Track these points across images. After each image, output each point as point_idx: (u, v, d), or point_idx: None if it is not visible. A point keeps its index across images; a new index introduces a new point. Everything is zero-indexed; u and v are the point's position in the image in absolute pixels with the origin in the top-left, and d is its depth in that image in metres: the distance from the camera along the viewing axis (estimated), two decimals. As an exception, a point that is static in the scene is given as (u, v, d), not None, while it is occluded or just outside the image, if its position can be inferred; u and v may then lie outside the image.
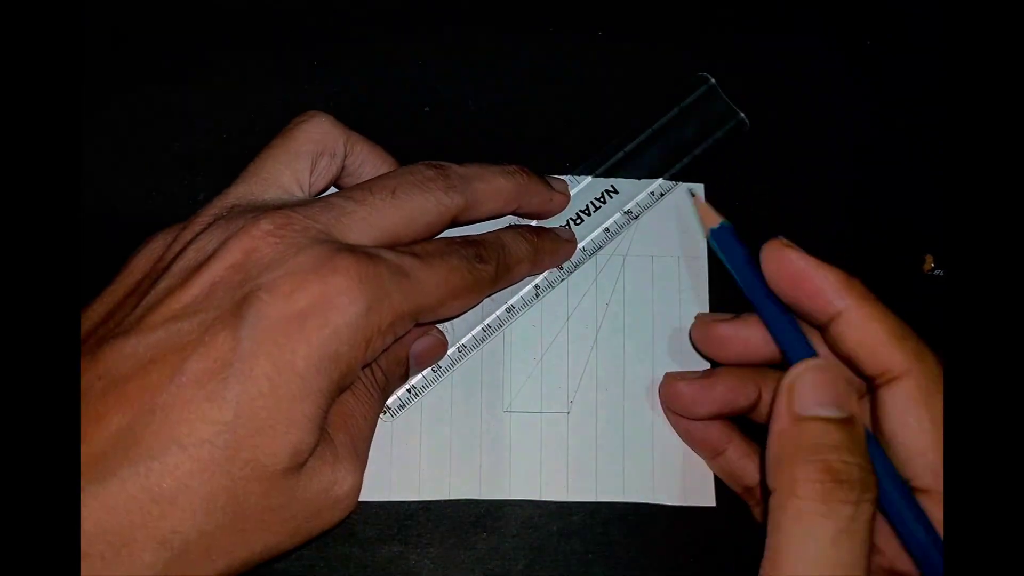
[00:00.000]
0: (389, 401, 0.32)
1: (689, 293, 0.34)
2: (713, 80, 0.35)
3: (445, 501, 0.32)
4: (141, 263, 0.26)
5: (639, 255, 0.34)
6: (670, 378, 0.31)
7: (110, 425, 0.22)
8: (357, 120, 0.34)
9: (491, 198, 0.29)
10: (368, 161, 0.30)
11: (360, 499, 0.31)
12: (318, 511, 0.25)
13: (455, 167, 0.29)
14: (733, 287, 0.34)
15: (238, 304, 0.23)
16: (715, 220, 0.29)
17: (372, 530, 0.31)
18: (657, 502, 0.32)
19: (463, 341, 0.32)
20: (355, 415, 0.26)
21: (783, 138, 0.36)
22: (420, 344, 0.30)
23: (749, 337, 0.29)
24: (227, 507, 0.22)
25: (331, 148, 0.28)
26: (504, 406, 0.32)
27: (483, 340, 0.33)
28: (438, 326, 0.31)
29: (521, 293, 0.33)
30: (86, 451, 0.22)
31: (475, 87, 0.35)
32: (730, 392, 0.30)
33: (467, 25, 0.36)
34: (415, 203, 0.27)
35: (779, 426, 0.24)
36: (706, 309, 0.34)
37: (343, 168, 0.29)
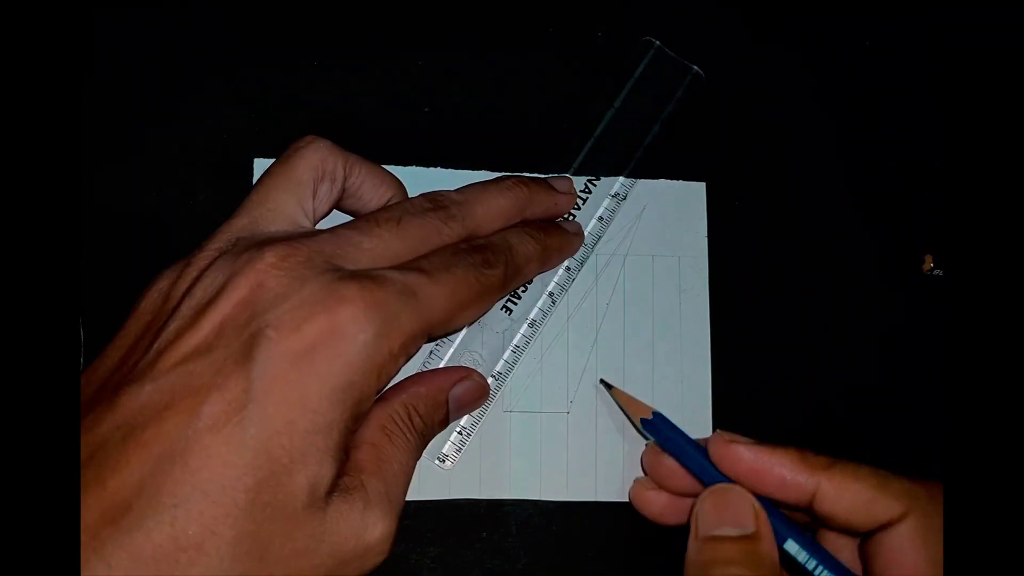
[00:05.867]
0: (444, 448, 0.31)
1: (689, 293, 0.34)
2: (658, 42, 0.35)
3: (445, 501, 0.32)
4: (150, 303, 0.26)
5: (639, 255, 0.34)
6: (640, 487, 0.31)
7: (132, 474, 0.22)
8: (357, 121, 0.34)
9: (492, 220, 0.29)
10: (367, 181, 0.29)
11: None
12: (348, 558, 0.24)
13: (452, 195, 0.29)
14: (733, 287, 0.34)
15: (247, 344, 0.23)
16: (646, 411, 0.30)
17: (372, 530, 0.31)
18: (657, 502, 0.32)
19: (498, 368, 0.32)
20: (391, 461, 0.26)
21: (783, 138, 0.36)
22: (460, 388, 0.29)
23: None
24: (253, 551, 0.22)
25: (331, 173, 0.28)
26: (504, 406, 0.32)
27: (515, 363, 0.32)
28: (479, 371, 0.31)
29: (538, 304, 0.33)
30: (110, 501, 0.22)
31: (475, 87, 0.35)
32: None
33: (467, 25, 0.36)
34: (418, 235, 0.27)
35: (688, 554, 0.26)
36: (706, 309, 0.34)
37: (343, 190, 0.29)
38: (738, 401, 0.33)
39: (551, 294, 0.33)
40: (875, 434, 0.34)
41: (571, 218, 0.34)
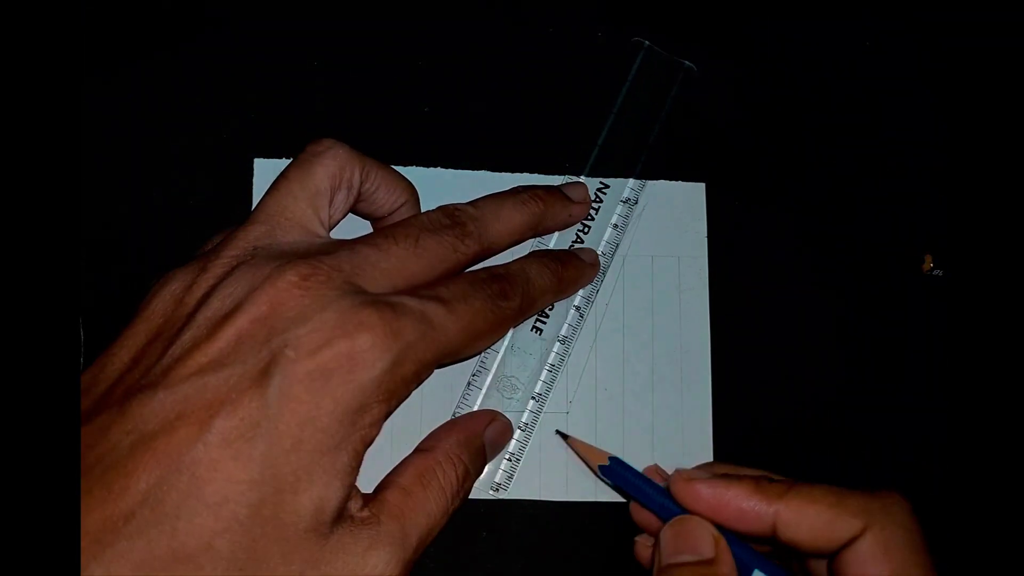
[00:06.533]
0: (497, 477, 0.32)
1: (689, 293, 0.34)
2: (647, 42, 0.35)
3: (445, 501, 0.32)
4: (161, 306, 0.25)
5: (639, 255, 0.34)
6: (640, 546, 0.30)
7: (139, 482, 0.22)
8: (357, 121, 0.34)
9: (507, 237, 0.30)
10: (382, 186, 0.29)
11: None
12: None
13: (469, 210, 0.29)
14: (733, 287, 0.34)
15: (265, 362, 0.23)
16: (603, 457, 0.30)
17: (372, 530, 0.31)
18: (657, 502, 0.32)
19: (537, 389, 0.32)
20: (419, 509, 0.25)
21: (783, 138, 0.36)
22: (492, 431, 0.30)
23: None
24: (247, 568, 0.22)
25: (348, 180, 0.28)
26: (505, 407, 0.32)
27: (552, 382, 0.33)
28: (502, 413, 0.31)
29: (567, 321, 0.33)
30: (114, 508, 0.21)
31: (475, 87, 0.35)
32: None
33: (466, 25, 0.36)
34: (435, 252, 0.27)
35: None
36: (706, 309, 0.34)
37: (359, 195, 0.29)
38: (738, 401, 0.33)
39: (578, 307, 0.33)
40: (875, 434, 0.34)
41: (587, 230, 0.34)
